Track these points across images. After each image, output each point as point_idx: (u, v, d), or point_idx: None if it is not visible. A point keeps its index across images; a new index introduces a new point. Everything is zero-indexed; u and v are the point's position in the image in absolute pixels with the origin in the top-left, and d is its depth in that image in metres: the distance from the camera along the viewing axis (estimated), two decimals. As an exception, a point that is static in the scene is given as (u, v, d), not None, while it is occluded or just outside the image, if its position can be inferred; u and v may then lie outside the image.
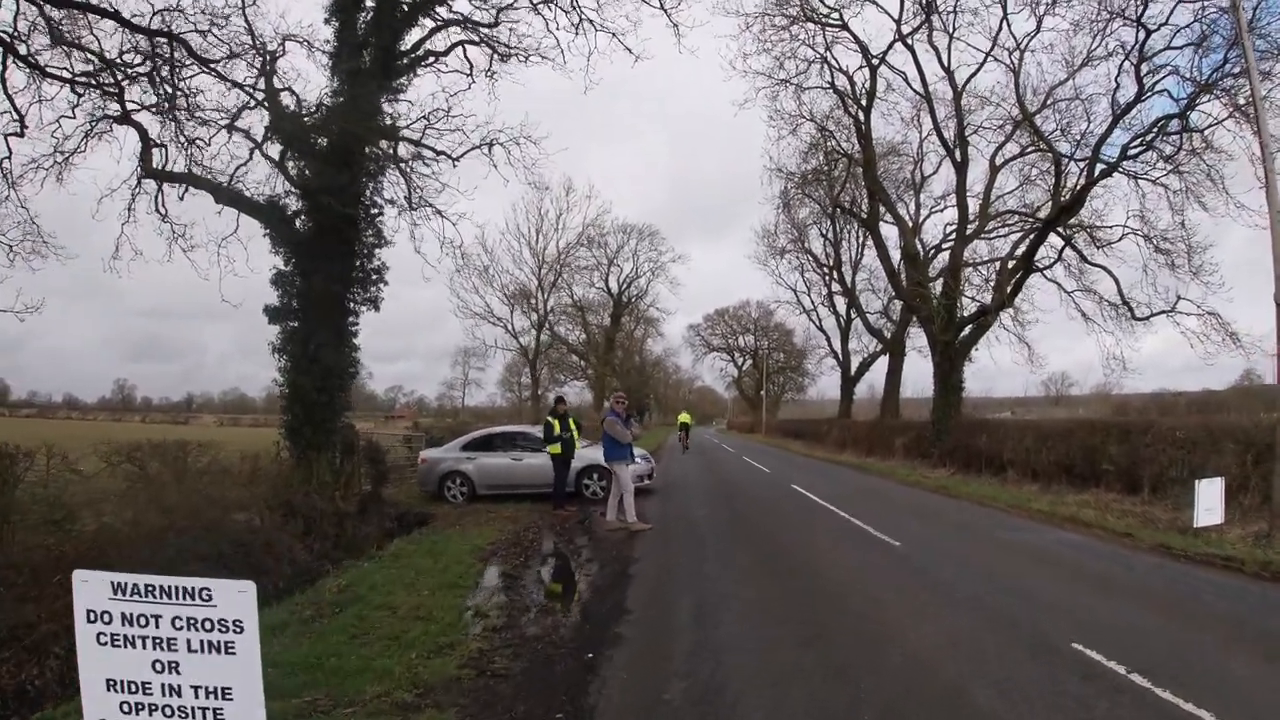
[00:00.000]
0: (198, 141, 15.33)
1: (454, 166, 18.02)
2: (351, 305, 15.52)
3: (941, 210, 36.32)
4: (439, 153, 17.96)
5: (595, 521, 12.84)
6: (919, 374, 37.85)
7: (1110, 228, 24.96)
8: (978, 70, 25.32)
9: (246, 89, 15.08)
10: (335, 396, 15.00)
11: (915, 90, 26.73)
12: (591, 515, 13.60)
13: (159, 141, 15.11)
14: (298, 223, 15.49)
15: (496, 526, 12.85)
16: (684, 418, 45.48)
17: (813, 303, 50.76)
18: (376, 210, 16.40)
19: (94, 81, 14.06)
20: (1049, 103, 23.58)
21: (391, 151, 17.23)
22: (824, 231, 42.87)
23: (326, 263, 14.96)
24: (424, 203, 18.11)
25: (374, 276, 15.72)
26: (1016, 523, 12.97)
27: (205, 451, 13.59)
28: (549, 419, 14.48)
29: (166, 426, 58.97)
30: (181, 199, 15.77)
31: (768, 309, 71.82)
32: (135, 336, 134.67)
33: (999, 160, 27.69)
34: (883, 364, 43.56)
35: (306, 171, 15.57)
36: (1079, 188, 22.20)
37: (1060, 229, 24.48)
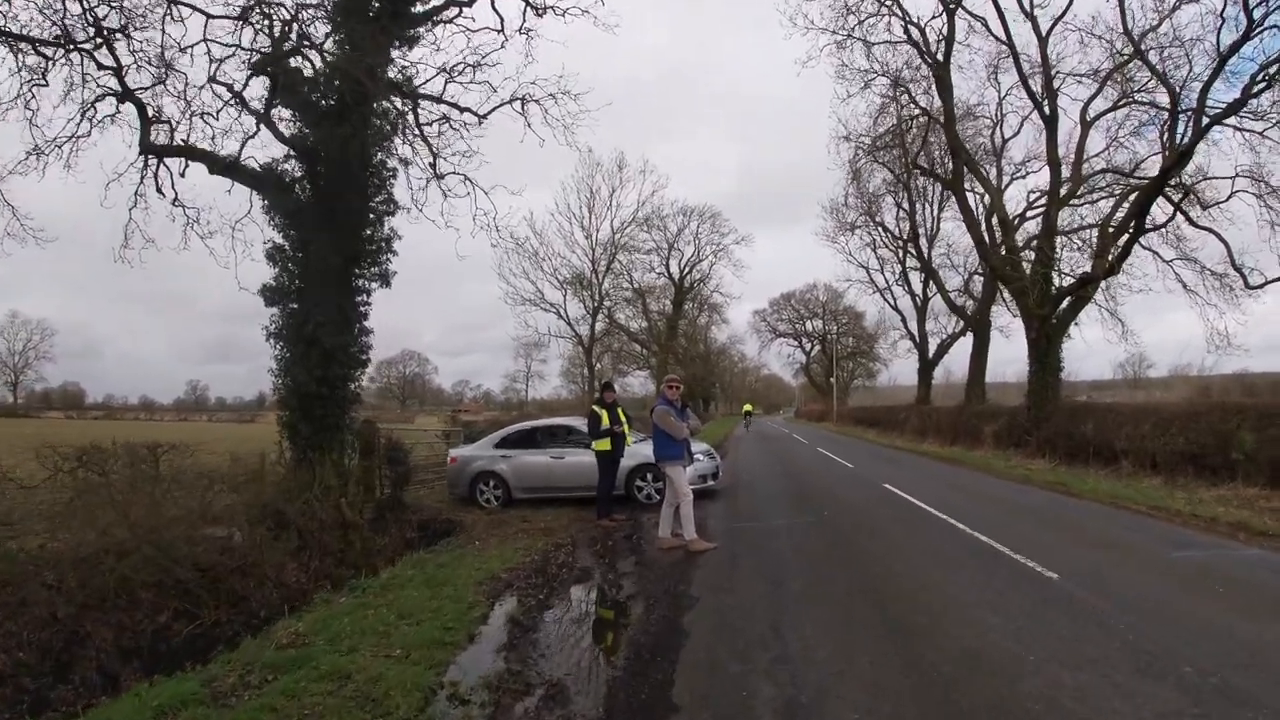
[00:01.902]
0: (206, 116, 13.64)
1: (480, 123, 15.81)
2: (358, 282, 13.29)
3: (1024, 176, 33.79)
4: (463, 109, 15.78)
5: (648, 537, 10.38)
6: (1000, 357, 34.73)
7: (1221, 178, 21.96)
8: (1069, 4, 22.25)
9: (247, 48, 13.10)
10: (339, 387, 12.78)
11: (996, 37, 23.91)
12: (641, 528, 11.16)
13: (163, 118, 13.50)
14: (297, 189, 13.40)
15: (524, 542, 10.46)
16: (748, 407, 58.40)
17: (886, 281, 47.36)
18: (389, 173, 14.19)
19: (72, 45, 12.29)
20: (1142, 49, 20.44)
21: (408, 110, 15.08)
22: (898, 201, 39.62)
23: (327, 232, 12.79)
24: (453, 171, 16.27)
25: (383, 246, 13.45)
26: (1172, 533, 10.03)
27: (181, 454, 11.50)
28: (594, 409, 11.99)
29: (230, 425, 58.75)
30: (183, 175, 14.19)
31: (836, 292, 68.73)
32: (211, 339, 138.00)
33: (1089, 115, 24.84)
34: (962, 346, 40.36)
35: (304, 129, 13.49)
36: (1186, 141, 18.98)
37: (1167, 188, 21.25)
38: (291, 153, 13.48)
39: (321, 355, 12.40)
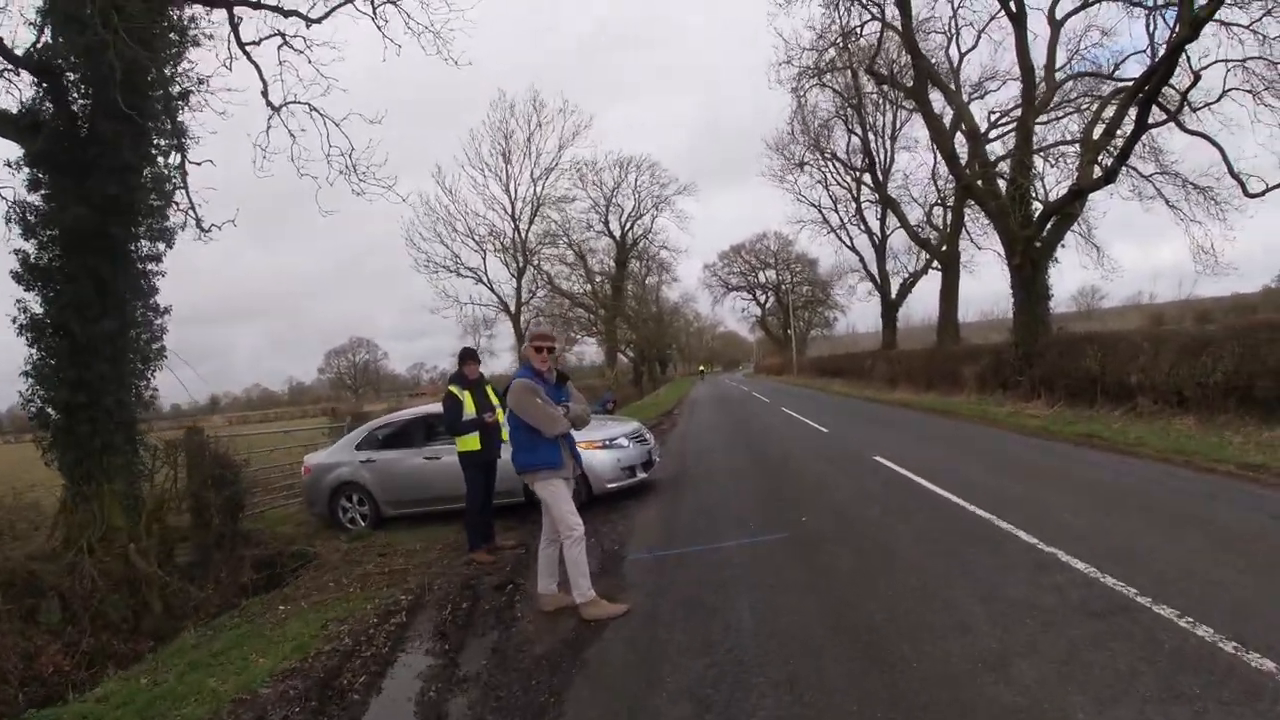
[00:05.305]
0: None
1: (308, 28, 12.43)
2: (131, 245, 9.59)
3: (982, 96, 31.28)
4: (288, 13, 12.27)
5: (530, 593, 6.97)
6: (961, 296, 31.98)
7: (1216, 63, 18.96)
8: None
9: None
10: (108, 391, 9.07)
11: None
12: (532, 562, 7.74)
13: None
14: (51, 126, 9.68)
15: (348, 605, 7.05)
16: (702, 368, 65.92)
17: (841, 220, 44.17)
18: (175, 97, 10.55)
19: None
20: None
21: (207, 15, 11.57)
22: (850, 127, 36.35)
23: (80, 179, 9.09)
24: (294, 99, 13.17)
25: (155, 190, 9.76)
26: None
27: None
28: (451, 391, 8.20)
29: (170, 431, 54.04)
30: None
31: (787, 239, 66.47)
32: (174, 342, 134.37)
33: (1058, 15, 22.37)
34: (925, 286, 37.50)
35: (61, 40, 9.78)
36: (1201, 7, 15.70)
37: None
38: (34, 78, 9.79)
39: (72, 350, 8.74)
